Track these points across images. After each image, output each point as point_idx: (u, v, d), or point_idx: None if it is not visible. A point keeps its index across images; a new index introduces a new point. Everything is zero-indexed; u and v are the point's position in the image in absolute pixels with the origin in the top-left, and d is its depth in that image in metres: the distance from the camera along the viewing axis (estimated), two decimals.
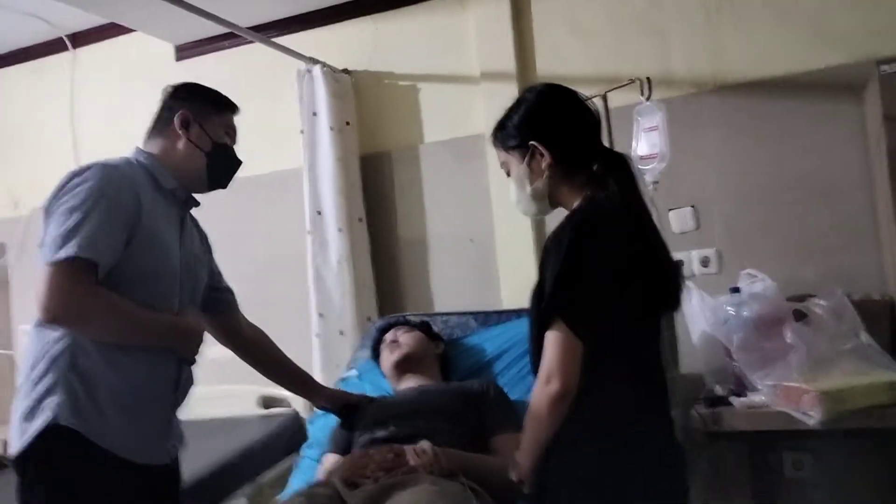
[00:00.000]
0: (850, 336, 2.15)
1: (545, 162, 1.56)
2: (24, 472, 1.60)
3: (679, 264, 1.57)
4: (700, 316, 2.32)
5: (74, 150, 3.62)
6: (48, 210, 1.65)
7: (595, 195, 1.52)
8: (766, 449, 2.25)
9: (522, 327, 2.44)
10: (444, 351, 2.41)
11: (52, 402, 1.57)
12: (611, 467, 1.41)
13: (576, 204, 1.55)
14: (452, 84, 3.05)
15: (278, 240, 3.21)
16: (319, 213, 2.95)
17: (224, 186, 1.94)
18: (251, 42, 3.24)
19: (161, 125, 1.87)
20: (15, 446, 1.61)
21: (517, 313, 2.57)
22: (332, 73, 3.02)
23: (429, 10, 3.07)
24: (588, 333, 1.39)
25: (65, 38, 3.63)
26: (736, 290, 2.35)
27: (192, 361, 1.78)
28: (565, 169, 1.56)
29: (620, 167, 1.55)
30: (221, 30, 3.28)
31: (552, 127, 1.57)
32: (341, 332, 2.90)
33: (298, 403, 3.08)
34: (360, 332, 2.90)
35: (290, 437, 2.97)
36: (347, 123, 3.04)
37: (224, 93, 1.93)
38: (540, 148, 1.56)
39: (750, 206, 2.60)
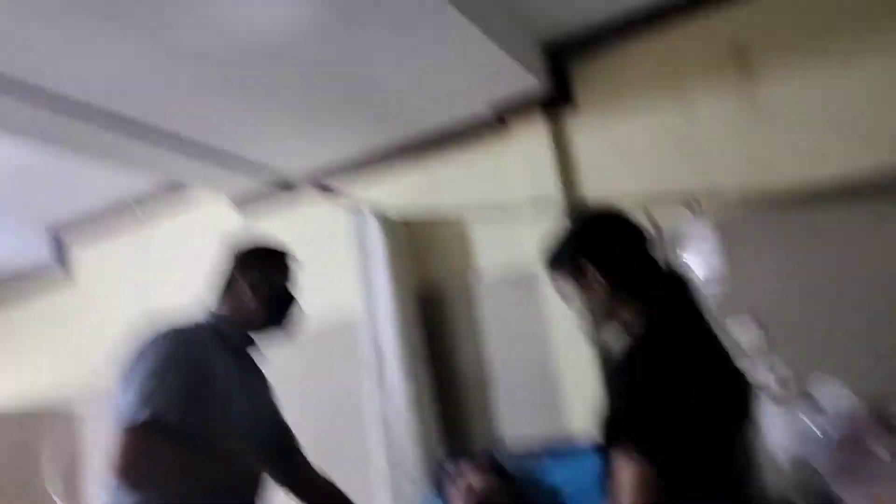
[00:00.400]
0: None
1: (598, 282, 1.56)
2: None
3: (749, 380, 1.51)
4: (781, 433, 2.22)
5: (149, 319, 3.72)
6: (124, 376, 1.71)
7: (654, 318, 1.50)
8: None
9: (596, 460, 2.38)
10: (517, 489, 2.34)
11: None
12: None
13: (637, 324, 1.53)
14: (503, 218, 3.11)
15: (341, 385, 3.22)
16: (382, 356, 2.96)
17: (284, 326, 1.99)
18: (310, 198, 3.39)
19: (227, 286, 1.98)
20: None
21: (591, 446, 2.49)
22: (385, 217, 3.12)
23: (473, 149, 3.17)
24: (663, 459, 1.34)
25: (133, 205, 3.81)
26: (810, 397, 2.25)
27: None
28: (620, 290, 1.55)
29: (680, 284, 1.54)
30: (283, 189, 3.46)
31: (604, 250, 1.59)
32: (412, 479, 2.83)
33: None
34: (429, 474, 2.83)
35: None
36: (402, 266, 3.09)
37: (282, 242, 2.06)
38: (595, 272, 1.56)
39: (807, 318, 2.51)
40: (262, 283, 1.95)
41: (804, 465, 2.18)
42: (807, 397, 2.27)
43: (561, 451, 2.55)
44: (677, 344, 1.44)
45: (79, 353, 3.97)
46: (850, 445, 2.03)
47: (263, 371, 2.05)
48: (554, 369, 2.89)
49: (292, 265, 2.04)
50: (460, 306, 3.14)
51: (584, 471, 2.37)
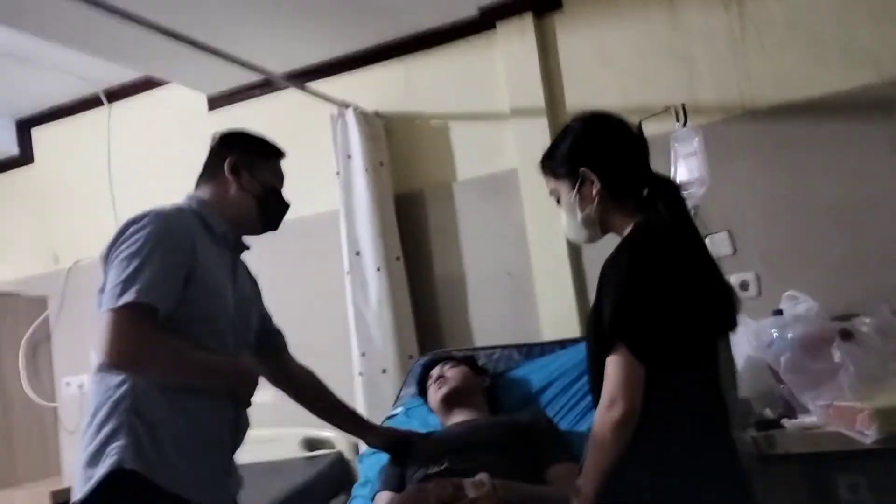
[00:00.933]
0: None
1: (595, 188, 1.58)
2: None
3: (731, 286, 1.57)
4: (743, 340, 2.32)
5: (112, 203, 3.69)
6: (106, 258, 1.70)
7: (647, 220, 1.54)
8: (820, 472, 2.22)
9: (566, 358, 2.48)
10: (490, 384, 2.43)
11: (116, 447, 1.59)
12: (677, 492, 1.41)
13: (627, 229, 1.57)
14: (483, 122, 3.11)
15: (318, 281, 3.25)
16: (358, 253, 3.00)
17: (275, 229, 1.99)
18: (282, 89, 3.34)
19: (211, 172, 1.92)
20: (79, 492, 1.63)
21: (560, 344, 2.59)
22: (364, 116, 3.09)
23: (456, 50, 3.14)
24: (650, 357, 1.41)
25: (101, 94, 3.72)
26: (779, 312, 2.36)
27: (248, 404, 1.80)
28: (615, 195, 1.59)
29: (670, 191, 1.58)
30: (252, 78, 3.40)
31: (601, 153, 1.60)
32: (384, 371, 2.92)
33: (342, 444, 3.10)
34: (401, 369, 2.91)
35: (336, 478, 2.99)
36: (381, 164, 3.09)
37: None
38: (590, 175, 1.58)
39: (785, 229, 2.60)
40: (252, 182, 1.89)
41: (765, 371, 2.30)
42: (771, 308, 2.37)
43: (532, 349, 2.62)
44: (667, 248, 1.49)
45: (41, 235, 3.93)
46: (810, 349, 2.14)
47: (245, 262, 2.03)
48: (528, 273, 2.95)
49: (280, 158, 2.00)
50: (437, 207, 3.16)
51: (553, 366, 2.47)
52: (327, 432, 3.11)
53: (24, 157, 3.97)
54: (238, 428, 1.80)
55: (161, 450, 1.61)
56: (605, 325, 1.44)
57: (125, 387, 1.63)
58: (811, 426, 2.09)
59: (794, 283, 2.43)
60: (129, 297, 1.58)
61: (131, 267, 1.62)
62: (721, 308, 1.55)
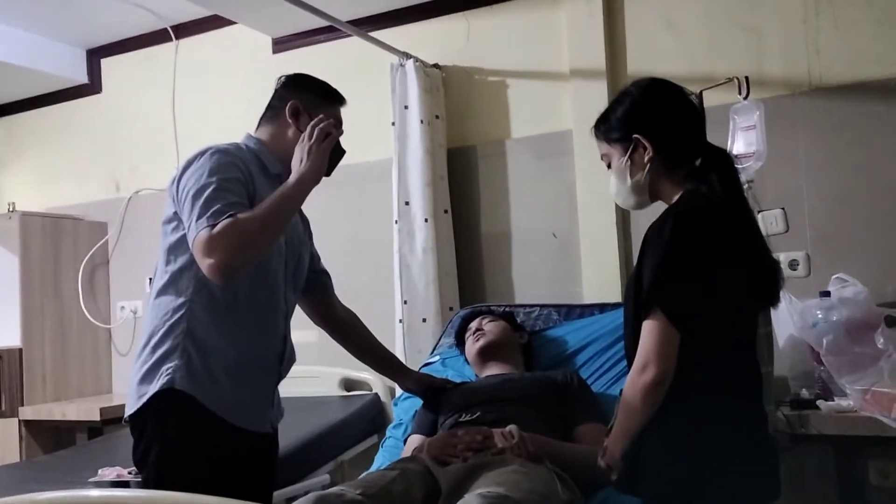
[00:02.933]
0: None
1: (647, 155, 1.58)
2: (140, 432, 1.72)
3: (777, 262, 1.57)
4: (787, 319, 2.31)
5: (175, 137, 3.79)
6: (176, 193, 1.75)
7: (697, 189, 1.54)
8: (851, 455, 2.22)
9: (605, 321, 2.50)
10: (527, 341, 2.46)
11: (169, 368, 1.68)
12: (705, 458, 1.44)
13: (676, 197, 1.57)
14: (541, 80, 3.09)
15: (366, 228, 3.31)
16: (407, 203, 3.03)
17: (327, 175, 2.02)
18: (345, 36, 3.35)
19: (272, 113, 1.96)
20: (131, 407, 1.73)
21: (600, 308, 2.60)
22: (423, 67, 3.10)
23: (520, 6, 3.12)
24: (686, 324, 1.42)
25: (169, 29, 3.79)
26: (826, 294, 2.33)
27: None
28: (667, 163, 1.58)
29: (723, 163, 1.57)
30: (316, 24, 3.42)
31: (656, 121, 1.60)
32: (424, 320, 2.97)
33: (379, 387, 3.18)
34: (441, 319, 2.97)
35: (372, 419, 3.09)
36: (437, 117, 3.11)
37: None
38: (643, 141, 1.58)
39: (841, 211, 2.56)
40: (308, 115, 1.88)
41: (805, 351, 2.29)
42: (819, 289, 2.35)
43: (571, 311, 2.64)
44: (714, 218, 1.49)
45: (105, 163, 4.05)
46: (854, 333, 2.12)
47: None
48: (574, 236, 2.96)
49: (341, 105, 2.02)
50: (489, 163, 3.17)
51: (591, 328, 2.49)
52: (365, 374, 3.20)
53: (93, 86, 4.08)
54: (284, 359, 1.88)
55: (211, 374, 1.69)
56: (643, 289, 1.45)
57: (182, 311, 1.71)
58: (846, 409, 2.09)
59: (845, 265, 2.40)
60: (207, 220, 1.61)
61: (203, 197, 1.65)
62: (764, 283, 1.55)
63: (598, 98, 2.88)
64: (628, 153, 1.61)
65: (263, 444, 1.84)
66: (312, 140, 1.75)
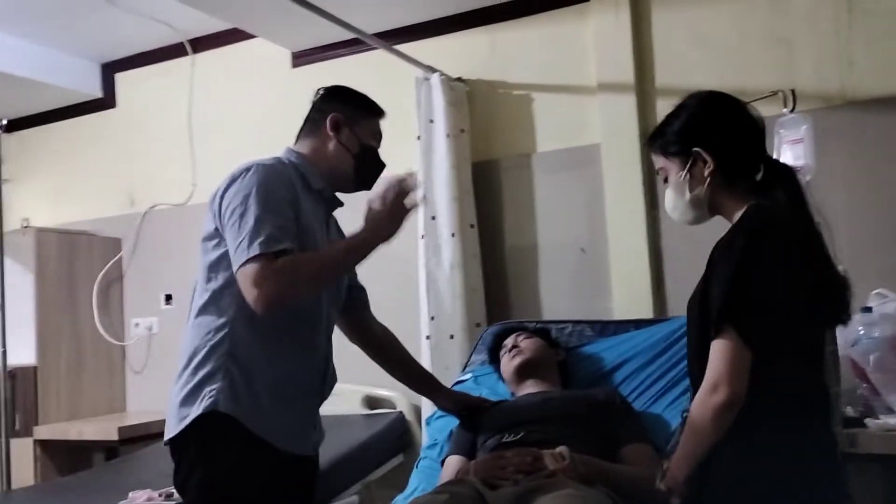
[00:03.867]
0: None
1: (708, 169, 1.55)
2: (182, 455, 1.67)
3: (846, 278, 1.53)
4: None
5: (191, 152, 3.76)
6: (218, 210, 1.71)
7: (762, 204, 1.51)
8: None
9: (642, 338, 2.46)
10: (564, 358, 2.42)
11: (212, 389, 1.63)
12: (775, 483, 1.40)
13: (738, 212, 1.54)
14: (568, 94, 3.07)
15: (392, 243, 3.24)
16: (434, 218, 3.00)
17: (369, 188, 1.98)
18: (366, 50, 3.33)
19: (311, 126, 1.93)
20: (172, 430, 1.68)
21: (635, 324, 2.56)
22: (448, 81, 3.07)
23: (547, 19, 3.10)
24: (758, 344, 1.38)
25: (186, 43, 3.77)
26: (867, 309, 2.30)
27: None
28: (728, 177, 1.55)
29: (788, 177, 1.54)
30: (337, 38, 3.40)
31: (717, 134, 1.56)
32: (451, 336, 2.93)
33: (403, 405, 3.14)
34: (468, 336, 2.92)
35: (397, 437, 3.04)
36: (462, 131, 3.08)
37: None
38: (704, 154, 1.55)
39: (879, 225, 2.54)
40: (351, 139, 1.88)
41: (848, 368, 2.25)
42: (860, 304, 2.31)
43: (605, 327, 2.60)
44: (784, 234, 1.45)
45: (119, 178, 4.01)
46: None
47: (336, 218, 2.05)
48: (603, 251, 2.93)
49: (381, 118, 1.99)
50: (514, 177, 3.14)
51: (628, 345, 2.45)
52: (388, 392, 3.15)
53: (108, 100, 4.06)
54: (327, 379, 1.84)
55: (255, 396, 1.65)
56: (713, 307, 1.41)
57: (224, 331, 1.67)
58: (894, 428, 2.05)
59: (884, 280, 2.36)
60: (257, 248, 1.59)
61: (252, 218, 1.62)
62: (833, 300, 1.51)
63: (626, 112, 2.88)
64: (687, 167, 1.57)
65: (306, 468, 1.80)
66: (392, 208, 1.74)
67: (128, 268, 3.94)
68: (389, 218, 1.74)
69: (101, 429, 3.42)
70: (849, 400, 2.24)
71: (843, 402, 2.23)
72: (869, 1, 2.59)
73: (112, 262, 3.89)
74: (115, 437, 3.33)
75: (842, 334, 2.26)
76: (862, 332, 2.22)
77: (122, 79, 4.04)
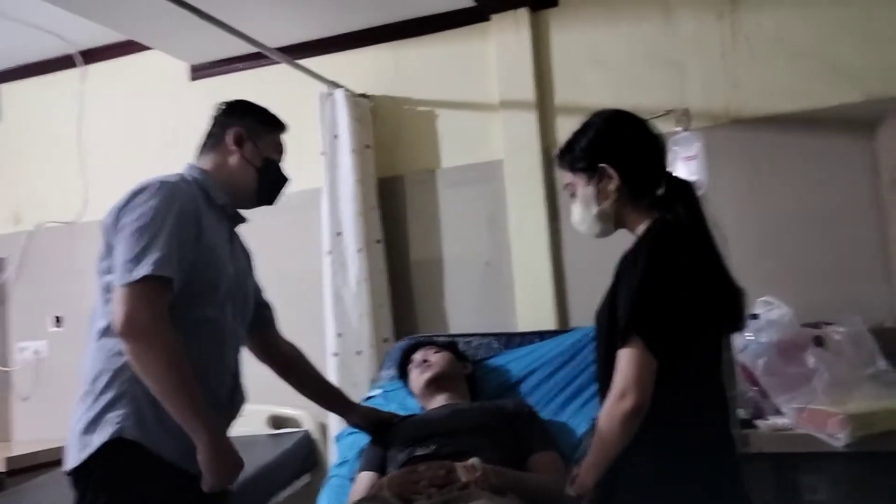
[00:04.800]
0: (869, 362, 2.24)
1: (614, 184, 1.61)
2: (84, 485, 1.60)
3: (741, 288, 1.62)
4: None
5: (81, 167, 3.61)
6: (114, 226, 1.66)
7: (664, 218, 1.58)
8: (786, 471, 2.31)
9: (546, 349, 2.52)
10: (472, 371, 2.45)
11: (116, 415, 1.58)
12: (680, 485, 1.46)
13: (641, 226, 1.61)
14: (471, 111, 3.12)
15: (293, 259, 3.22)
16: (339, 233, 2.98)
17: (272, 202, 1.97)
18: (268, 64, 3.29)
19: (213, 141, 1.90)
20: (74, 459, 1.61)
21: (540, 335, 2.62)
22: (353, 96, 3.07)
23: (449, 38, 3.14)
24: (663, 352, 1.44)
25: (77, 54, 3.62)
26: (755, 316, 2.43)
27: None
28: (632, 192, 1.62)
29: (687, 192, 1.62)
30: (238, 51, 3.35)
31: (622, 150, 1.63)
32: (358, 352, 2.92)
33: (309, 423, 3.09)
34: (376, 352, 2.92)
35: (304, 457, 3.00)
36: (367, 146, 3.08)
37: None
38: (609, 170, 1.61)
39: (764, 236, 2.69)
40: (254, 153, 1.87)
41: (738, 373, 2.37)
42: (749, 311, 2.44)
43: (511, 339, 2.65)
44: (684, 247, 1.53)
45: (3, 195, 3.82)
46: (785, 354, 2.22)
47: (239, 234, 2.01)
48: (507, 264, 2.98)
49: (283, 131, 1.98)
50: (419, 192, 3.16)
51: (533, 356, 2.51)
52: (294, 410, 3.10)
53: None
54: (235, 397, 1.80)
55: (162, 419, 1.60)
56: (620, 318, 1.47)
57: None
58: (783, 427, 2.17)
59: (770, 289, 2.50)
60: (144, 269, 1.56)
61: (144, 238, 1.60)
62: (730, 309, 1.60)
63: (527, 128, 2.96)
64: (594, 182, 1.63)
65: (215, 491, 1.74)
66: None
67: (13, 289, 3.73)
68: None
69: None
70: (740, 402, 2.36)
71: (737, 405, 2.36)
72: (751, 26, 2.75)
73: None
74: (1, 468, 3.13)
75: (733, 340, 2.39)
76: (751, 338, 2.35)
77: (7, 90, 3.84)
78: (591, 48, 2.95)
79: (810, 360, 2.21)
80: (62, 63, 3.68)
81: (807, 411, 2.11)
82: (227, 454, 1.63)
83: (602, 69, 2.93)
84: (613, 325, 1.48)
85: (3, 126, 3.85)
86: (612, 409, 1.45)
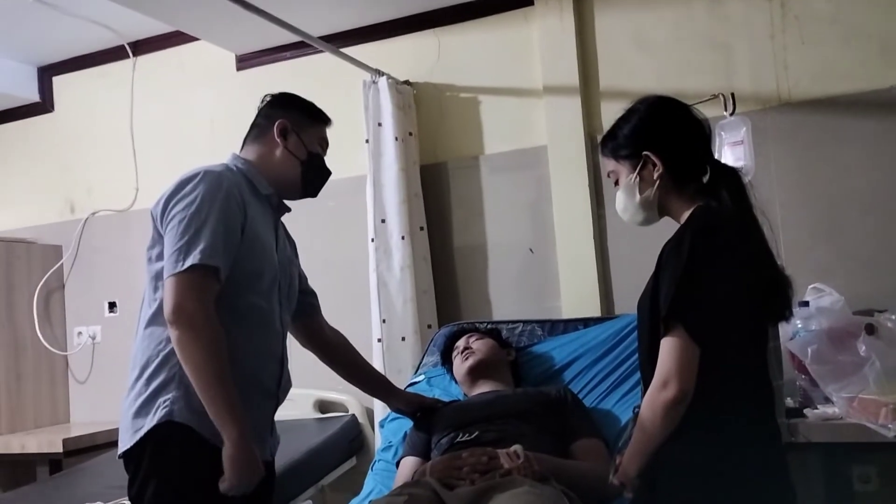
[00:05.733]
0: None
1: (657, 172, 1.59)
2: (137, 467, 1.65)
3: (788, 276, 1.59)
4: None
5: (133, 156, 3.69)
6: (161, 216, 1.70)
7: (709, 205, 1.56)
8: (837, 461, 2.27)
9: (590, 336, 2.51)
10: (515, 358, 2.45)
11: (166, 399, 1.62)
12: (724, 475, 1.45)
13: (685, 213, 1.59)
14: (514, 97, 3.10)
15: (339, 245, 3.26)
16: (383, 221, 3.00)
17: (314, 195, 2.00)
18: (311, 53, 3.32)
19: (258, 133, 1.92)
20: (126, 442, 1.66)
21: (584, 322, 2.61)
22: (396, 84, 3.08)
23: (492, 23, 3.12)
24: (706, 340, 1.43)
25: (126, 46, 3.69)
26: (804, 303, 2.38)
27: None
28: (676, 179, 1.60)
29: (733, 179, 1.60)
30: (282, 40, 3.38)
31: (666, 137, 1.61)
32: (403, 338, 2.94)
33: (355, 408, 3.14)
34: (420, 338, 2.94)
35: (350, 441, 3.04)
36: (410, 134, 3.09)
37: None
38: (653, 157, 1.59)
39: (815, 221, 2.63)
40: (298, 146, 1.89)
41: (786, 362, 2.33)
42: (798, 299, 2.40)
43: (555, 326, 2.65)
44: (729, 234, 1.51)
45: (59, 184, 3.92)
46: (836, 342, 2.17)
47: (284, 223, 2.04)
48: (551, 251, 2.97)
49: (327, 125, 2.00)
50: (462, 179, 3.16)
51: (577, 343, 2.50)
52: (340, 395, 3.15)
53: (45, 104, 3.95)
54: (282, 383, 1.83)
55: None
56: (662, 306, 1.46)
57: None
58: (832, 417, 2.13)
59: (821, 275, 2.45)
60: (192, 259, 1.60)
61: (192, 228, 1.63)
62: (776, 297, 1.57)
63: (571, 114, 2.93)
64: (637, 170, 1.61)
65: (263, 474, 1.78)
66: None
67: (69, 275, 3.85)
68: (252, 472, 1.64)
69: (44, 441, 3.32)
70: (788, 391, 2.32)
71: (784, 394, 2.32)
72: (801, 6, 2.68)
73: (52, 270, 3.78)
74: (59, 449, 3.24)
75: (781, 328, 2.35)
76: (800, 326, 2.30)
77: (60, 82, 3.94)
78: (636, 31, 2.91)
79: (861, 348, 2.16)
80: (113, 54, 3.76)
81: (857, 400, 2.06)
82: (252, 455, 1.62)
83: (647, 53, 2.88)
84: (656, 313, 1.47)
85: (57, 117, 3.94)
86: (655, 397, 1.44)
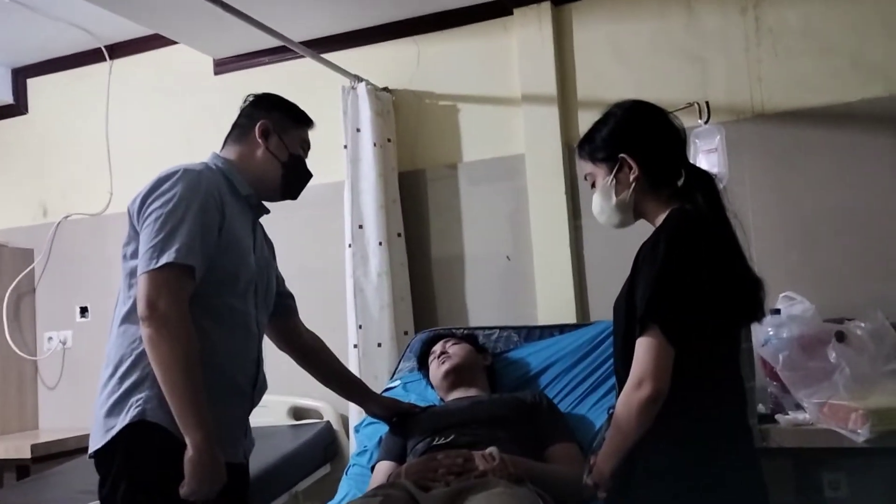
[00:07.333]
0: (891, 358, 2.22)
1: (633, 174, 1.62)
2: (108, 468, 1.63)
3: (760, 278, 1.62)
4: None
5: (108, 159, 3.66)
6: (138, 213, 1.69)
7: (684, 208, 1.58)
8: (808, 467, 2.30)
9: (565, 342, 2.53)
10: (491, 363, 2.46)
11: (139, 399, 1.60)
12: (697, 473, 1.46)
13: (661, 216, 1.61)
14: (493, 105, 3.12)
15: (315, 251, 3.25)
16: (361, 226, 3.00)
17: (295, 197, 1.99)
18: (291, 58, 3.32)
19: (239, 133, 1.91)
20: (97, 441, 1.63)
21: (559, 329, 2.63)
22: (375, 90, 3.09)
23: (472, 32, 3.15)
24: (681, 341, 1.44)
25: (103, 49, 3.67)
26: (776, 311, 2.42)
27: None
28: (652, 182, 1.62)
29: (707, 183, 1.62)
30: (261, 45, 3.38)
31: (642, 140, 1.63)
32: (379, 344, 2.94)
33: (330, 414, 3.12)
34: (396, 344, 2.94)
35: (324, 447, 3.02)
36: (389, 140, 3.10)
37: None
38: (629, 160, 1.61)
39: (787, 231, 2.67)
40: (280, 147, 1.88)
41: (758, 369, 2.36)
42: (767, 304, 2.43)
43: (531, 332, 2.66)
44: (703, 237, 1.53)
45: (31, 187, 3.87)
46: (807, 348, 2.20)
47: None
48: (528, 258, 2.99)
49: (310, 127, 1.99)
50: (440, 187, 3.18)
51: (553, 349, 2.51)
52: (315, 402, 3.13)
53: (19, 106, 3.91)
54: (257, 385, 1.82)
55: None
56: (638, 307, 1.47)
57: None
58: (803, 422, 2.16)
59: (792, 284, 2.49)
60: (167, 257, 1.59)
61: (168, 226, 1.62)
62: (748, 298, 1.59)
63: (549, 123, 2.96)
64: (613, 172, 1.63)
65: (236, 476, 1.76)
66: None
67: (40, 279, 3.80)
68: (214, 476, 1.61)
69: (12, 447, 3.26)
70: (760, 398, 2.35)
71: (756, 399, 2.35)
72: (775, 20, 2.73)
73: (23, 273, 3.73)
74: (27, 455, 3.18)
75: (754, 332, 2.38)
76: (771, 333, 2.33)
77: (34, 84, 3.90)
78: (614, 43, 2.94)
79: (832, 355, 2.19)
80: (88, 57, 3.73)
81: (828, 406, 2.09)
82: (215, 460, 1.58)
83: (624, 64, 2.92)
84: (631, 314, 1.49)
85: (31, 119, 3.90)
86: (630, 396, 1.46)
